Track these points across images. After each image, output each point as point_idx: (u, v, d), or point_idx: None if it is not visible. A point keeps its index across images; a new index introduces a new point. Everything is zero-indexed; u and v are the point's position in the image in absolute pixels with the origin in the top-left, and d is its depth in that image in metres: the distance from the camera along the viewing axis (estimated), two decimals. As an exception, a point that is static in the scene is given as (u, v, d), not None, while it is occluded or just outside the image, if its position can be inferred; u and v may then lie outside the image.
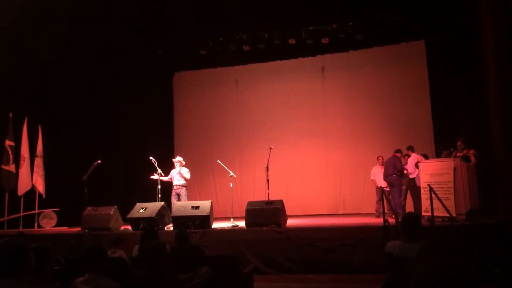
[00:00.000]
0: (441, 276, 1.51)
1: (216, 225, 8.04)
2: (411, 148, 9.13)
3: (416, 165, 8.60)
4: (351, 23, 10.20)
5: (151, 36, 11.08)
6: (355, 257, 6.59)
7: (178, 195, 8.88)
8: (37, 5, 9.13)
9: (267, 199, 8.04)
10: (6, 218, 9.61)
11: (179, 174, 8.94)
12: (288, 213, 7.94)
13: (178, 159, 9.15)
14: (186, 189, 9.01)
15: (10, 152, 9.95)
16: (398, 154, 8.95)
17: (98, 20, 10.12)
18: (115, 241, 5.76)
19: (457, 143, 8.10)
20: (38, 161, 10.22)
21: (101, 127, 11.52)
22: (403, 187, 9.05)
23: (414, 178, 8.80)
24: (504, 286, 2.70)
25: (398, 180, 8.73)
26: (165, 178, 9.04)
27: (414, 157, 8.90)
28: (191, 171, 9.13)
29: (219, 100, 12.34)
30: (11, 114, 10.08)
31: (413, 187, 8.92)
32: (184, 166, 9.08)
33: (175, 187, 8.95)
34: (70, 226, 9.69)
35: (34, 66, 10.13)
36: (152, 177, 8.91)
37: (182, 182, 8.94)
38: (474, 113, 9.21)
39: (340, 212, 11.01)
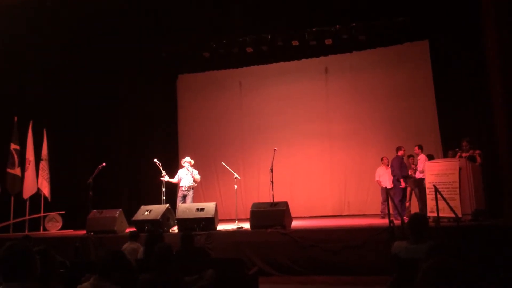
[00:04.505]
0: (446, 277, 1.51)
1: (220, 227, 8.03)
2: (421, 147, 9.06)
3: None
4: (354, 24, 10.16)
5: (155, 39, 11.11)
6: (361, 258, 6.56)
7: (185, 196, 8.73)
8: (41, 10, 9.19)
9: (271, 200, 8.02)
10: (11, 221, 9.66)
11: (190, 175, 8.75)
12: (292, 214, 7.92)
13: (188, 159, 8.89)
14: (193, 191, 8.88)
15: (15, 155, 10.01)
16: (400, 153, 8.86)
17: (102, 23, 10.18)
18: (132, 236, 5.76)
19: (462, 143, 8.04)
20: (43, 165, 10.24)
21: (105, 129, 11.57)
22: (408, 189, 9.00)
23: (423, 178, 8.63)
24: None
25: (397, 182, 8.72)
26: (174, 180, 8.89)
27: (423, 157, 8.83)
28: (195, 173, 9.10)
29: (223, 102, 12.35)
30: (16, 118, 10.15)
31: (419, 187, 8.78)
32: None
33: (183, 189, 8.73)
34: (75, 229, 9.70)
35: (38, 70, 10.19)
36: (162, 178, 8.75)
37: (192, 183, 8.76)
38: (479, 113, 9.14)
39: (345, 214, 10.96)
